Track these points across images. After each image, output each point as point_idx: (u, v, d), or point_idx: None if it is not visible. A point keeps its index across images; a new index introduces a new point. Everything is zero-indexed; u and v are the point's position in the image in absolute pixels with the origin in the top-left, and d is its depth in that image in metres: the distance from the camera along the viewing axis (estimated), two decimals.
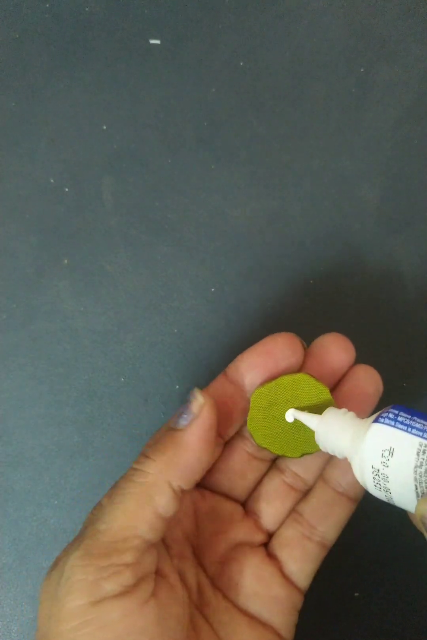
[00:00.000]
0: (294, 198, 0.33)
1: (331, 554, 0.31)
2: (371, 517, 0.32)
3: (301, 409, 0.24)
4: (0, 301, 0.32)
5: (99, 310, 0.32)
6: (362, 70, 0.33)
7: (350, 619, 0.31)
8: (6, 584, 0.31)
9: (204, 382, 0.27)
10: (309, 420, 0.24)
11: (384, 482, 0.21)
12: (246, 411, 0.25)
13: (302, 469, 0.26)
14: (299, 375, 0.25)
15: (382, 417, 0.21)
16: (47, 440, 0.32)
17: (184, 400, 0.23)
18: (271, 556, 0.26)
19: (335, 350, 0.25)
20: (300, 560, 0.25)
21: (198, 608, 0.24)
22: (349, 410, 0.24)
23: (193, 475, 0.22)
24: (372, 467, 0.21)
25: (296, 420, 0.24)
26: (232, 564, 0.25)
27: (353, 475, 0.24)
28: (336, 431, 0.23)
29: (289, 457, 0.25)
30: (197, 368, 0.32)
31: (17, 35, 0.34)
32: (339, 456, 0.23)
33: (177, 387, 0.32)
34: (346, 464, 0.25)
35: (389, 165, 0.33)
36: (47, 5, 0.34)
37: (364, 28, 0.34)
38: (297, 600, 0.25)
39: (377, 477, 0.21)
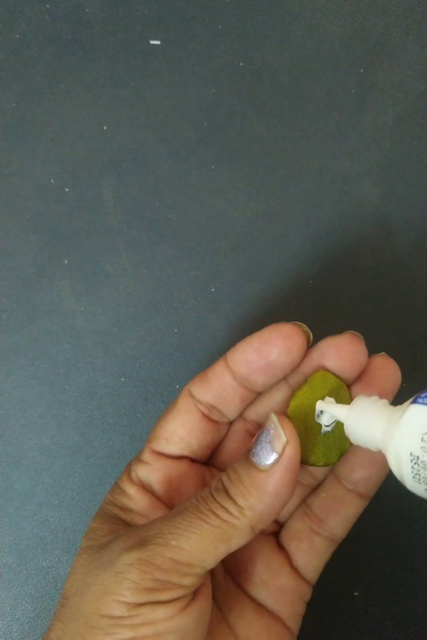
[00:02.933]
0: (294, 198, 0.33)
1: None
2: (371, 515, 0.32)
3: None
4: (0, 301, 0.32)
5: (99, 310, 0.32)
6: (362, 70, 0.33)
7: (350, 619, 0.31)
8: (6, 583, 0.31)
9: None
10: (338, 411, 0.22)
11: (425, 472, 0.18)
12: (245, 398, 0.24)
13: None
14: (319, 374, 0.24)
15: (420, 397, 0.19)
16: (47, 440, 0.32)
17: (264, 427, 0.21)
18: (281, 547, 0.26)
19: (348, 353, 0.24)
20: (308, 553, 0.25)
21: None
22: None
23: (275, 516, 0.21)
24: (411, 454, 0.19)
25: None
26: (243, 550, 0.25)
27: (364, 471, 0.24)
28: (367, 420, 0.20)
29: (332, 464, 0.24)
30: (197, 368, 0.32)
31: (18, 36, 0.34)
32: (372, 448, 0.21)
33: (177, 387, 0.32)
34: (356, 460, 0.24)
35: (389, 165, 0.33)
36: (47, 6, 0.34)
37: (364, 28, 0.34)
38: (305, 592, 0.25)
39: (416, 466, 0.19)
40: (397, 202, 0.33)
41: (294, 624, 0.25)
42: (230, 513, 0.20)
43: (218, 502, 0.21)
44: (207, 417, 0.25)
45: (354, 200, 0.33)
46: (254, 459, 0.21)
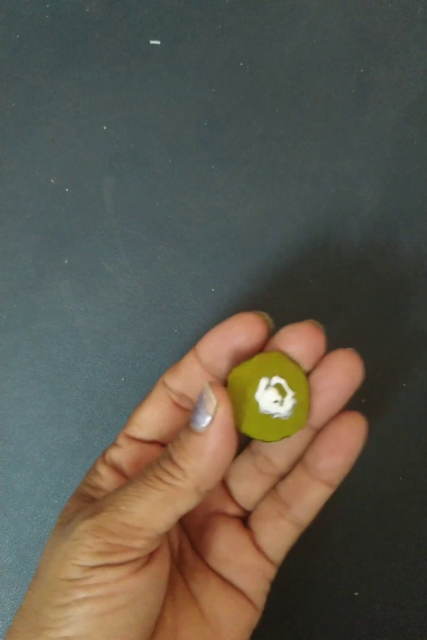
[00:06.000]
0: (294, 198, 0.33)
1: (330, 553, 0.31)
2: (371, 516, 0.32)
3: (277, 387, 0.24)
4: (0, 301, 0.32)
5: (99, 310, 0.33)
6: (362, 70, 0.33)
7: (350, 619, 0.31)
8: (7, 583, 0.31)
9: None
10: None
11: None
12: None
13: (273, 453, 0.27)
14: (273, 354, 0.24)
15: None
16: (47, 439, 0.32)
17: (199, 395, 0.23)
18: (248, 527, 0.27)
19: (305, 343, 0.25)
20: (271, 534, 0.27)
21: (177, 565, 0.26)
22: (322, 393, 0.24)
23: (218, 476, 0.23)
24: None
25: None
26: (209, 531, 0.27)
27: (327, 459, 0.25)
28: None
29: (267, 441, 0.25)
30: None
31: (18, 36, 0.34)
32: None
33: None
34: (320, 448, 0.25)
35: (389, 165, 0.33)
36: (47, 6, 0.34)
37: (364, 28, 0.34)
38: (268, 570, 0.27)
39: None
40: (397, 202, 0.33)
41: (258, 599, 0.26)
42: (174, 476, 0.22)
43: (163, 468, 0.22)
44: (177, 405, 0.26)
45: (354, 200, 0.33)
46: (192, 425, 0.23)
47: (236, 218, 0.33)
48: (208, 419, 0.22)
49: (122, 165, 0.33)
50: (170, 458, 0.23)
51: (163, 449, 0.23)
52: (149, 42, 0.34)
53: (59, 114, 0.33)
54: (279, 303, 0.32)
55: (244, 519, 0.28)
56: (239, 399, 0.24)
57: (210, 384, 0.23)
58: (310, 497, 0.26)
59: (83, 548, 0.21)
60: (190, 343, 0.32)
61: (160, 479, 0.22)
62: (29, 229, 0.33)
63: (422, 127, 0.33)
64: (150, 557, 0.22)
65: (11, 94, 0.34)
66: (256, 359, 0.24)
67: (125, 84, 0.34)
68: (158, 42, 0.34)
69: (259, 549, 0.27)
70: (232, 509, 0.28)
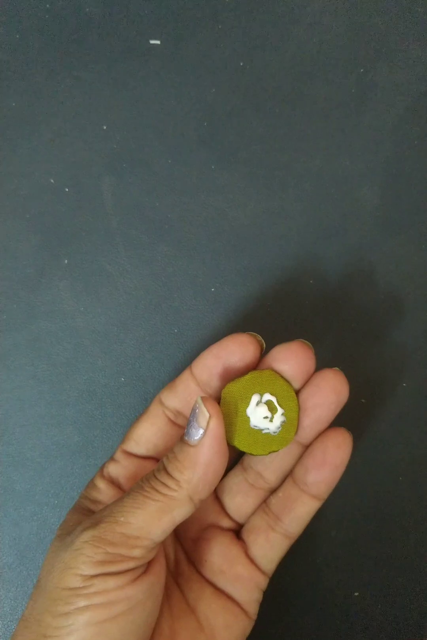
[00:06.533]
0: (294, 198, 0.33)
1: (330, 553, 0.31)
2: (371, 516, 0.32)
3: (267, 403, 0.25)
4: (0, 301, 0.32)
5: (99, 310, 0.32)
6: (362, 70, 0.33)
7: (350, 619, 0.31)
8: (6, 583, 0.31)
9: None
10: None
11: None
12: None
13: (263, 468, 0.28)
14: (266, 372, 0.25)
15: None
16: (47, 440, 0.32)
17: (192, 409, 0.24)
18: (240, 540, 0.28)
19: (295, 362, 0.26)
20: (263, 546, 0.27)
21: (173, 577, 0.27)
22: (311, 411, 0.25)
23: (211, 486, 0.24)
24: None
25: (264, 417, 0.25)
26: (203, 543, 0.28)
27: (316, 474, 0.26)
28: None
29: (255, 455, 0.26)
30: None
31: (18, 36, 0.34)
32: None
33: None
34: (309, 462, 0.26)
35: (389, 165, 0.33)
36: (47, 5, 0.34)
37: (364, 28, 0.34)
38: (260, 580, 0.27)
39: None
40: (397, 202, 0.33)
41: (251, 608, 0.27)
42: (169, 487, 0.23)
43: (159, 480, 0.23)
44: (172, 422, 0.27)
45: (354, 200, 0.33)
46: (186, 438, 0.24)
47: (236, 218, 0.33)
48: (201, 431, 0.23)
49: (122, 165, 0.33)
50: (165, 470, 0.23)
51: (158, 463, 0.24)
52: (149, 42, 0.34)
53: (59, 114, 0.33)
54: (279, 303, 0.32)
55: (237, 532, 0.29)
56: (231, 413, 0.25)
57: (203, 398, 0.23)
58: (299, 510, 0.27)
59: (84, 558, 0.22)
60: (190, 343, 0.32)
61: (156, 489, 0.23)
62: (29, 229, 0.33)
63: (422, 127, 0.33)
64: (147, 566, 0.23)
65: (11, 94, 0.34)
66: (249, 376, 0.25)
67: (125, 84, 0.34)
68: (158, 42, 0.34)
69: (251, 560, 0.27)
70: (225, 523, 0.29)
